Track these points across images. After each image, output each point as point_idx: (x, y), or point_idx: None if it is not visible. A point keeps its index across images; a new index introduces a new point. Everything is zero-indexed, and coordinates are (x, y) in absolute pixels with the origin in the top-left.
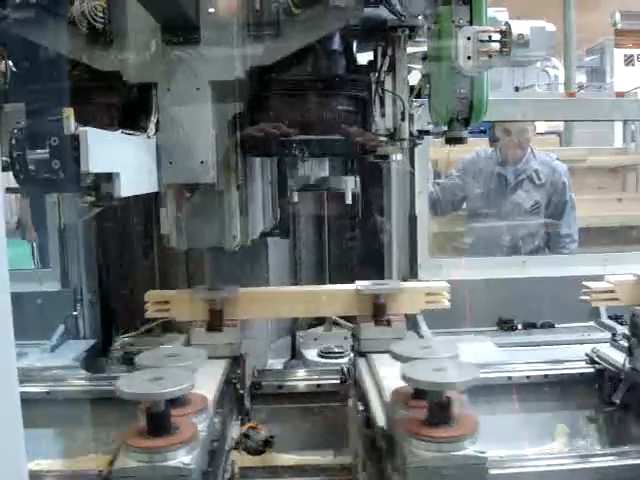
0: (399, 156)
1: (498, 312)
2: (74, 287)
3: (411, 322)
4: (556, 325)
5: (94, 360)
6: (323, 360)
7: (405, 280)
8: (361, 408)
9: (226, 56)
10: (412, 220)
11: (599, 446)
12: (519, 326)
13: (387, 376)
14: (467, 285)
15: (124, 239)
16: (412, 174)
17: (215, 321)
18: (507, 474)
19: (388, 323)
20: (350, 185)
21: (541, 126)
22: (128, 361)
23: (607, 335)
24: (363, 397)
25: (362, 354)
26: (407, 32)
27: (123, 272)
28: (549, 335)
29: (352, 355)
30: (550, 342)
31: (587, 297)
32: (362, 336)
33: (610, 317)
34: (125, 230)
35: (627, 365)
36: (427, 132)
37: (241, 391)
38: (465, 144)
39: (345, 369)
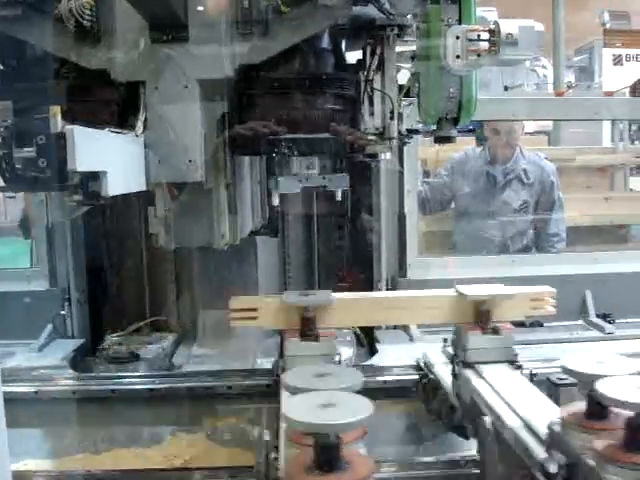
0: (388, 155)
1: None
2: (62, 286)
3: None
4: (545, 324)
5: (82, 360)
6: None
7: (394, 279)
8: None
9: (214, 54)
10: (401, 219)
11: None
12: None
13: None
14: (456, 284)
15: (112, 238)
16: (401, 173)
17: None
18: None
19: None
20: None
21: (530, 126)
22: (116, 360)
23: (596, 334)
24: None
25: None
26: (396, 31)
27: (111, 271)
28: (538, 334)
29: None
30: (539, 341)
31: None
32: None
33: (598, 315)
34: (113, 229)
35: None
36: (416, 131)
37: None
38: (454, 143)
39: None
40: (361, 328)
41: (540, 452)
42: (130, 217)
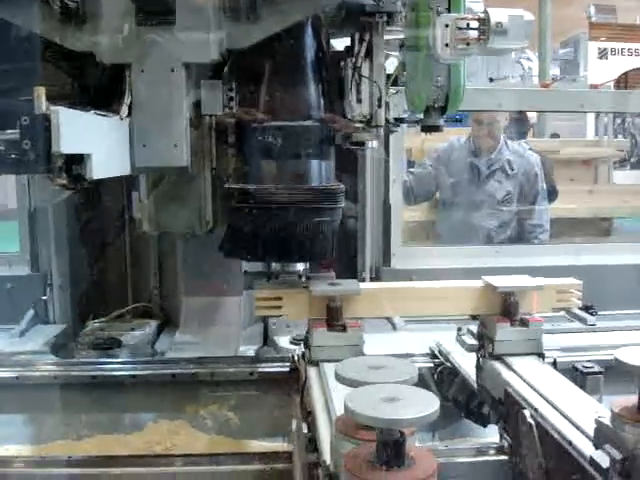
0: (375, 143)
1: None
2: (44, 271)
3: None
4: None
5: (64, 345)
6: (296, 347)
7: (378, 269)
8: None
9: (201, 38)
10: (386, 208)
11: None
12: None
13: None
14: (440, 274)
15: (95, 223)
16: (387, 162)
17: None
18: None
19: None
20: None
21: None
22: (98, 347)
23: (578, 325)
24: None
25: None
26: (385, 18)
27: (94, 257)
28: None
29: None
30: None
31: None
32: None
33: (580, 307)
34: (95, 214)
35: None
36: (403, 120)
37: None
38: (441, 132)
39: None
40: None
41: (587, 446)
42: (113, 202)
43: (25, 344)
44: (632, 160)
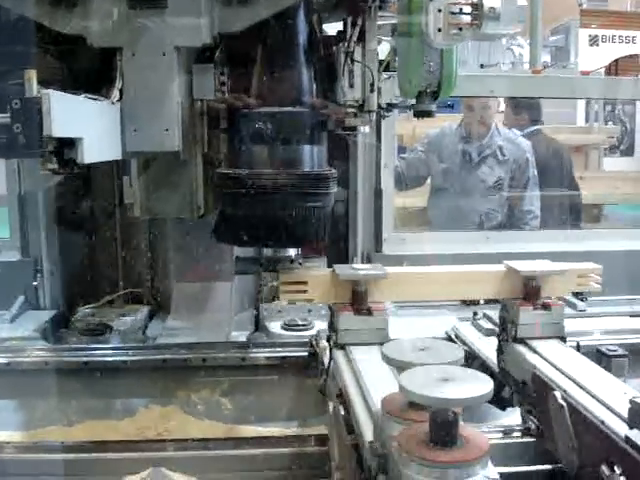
0: (367, 128)
1: None
2: (34, 257)
3: None
4: None
5: (55, 331)
6: (287, 333)
7: (369, 255)
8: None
9: (193, 22)
10: (377, 194)
11: None
12: (481, 301)
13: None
14: (431, 260)
15: (85, 209)
16: (378, 148)
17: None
18: None
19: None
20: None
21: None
22: (89, 332)
23: (568, 311)
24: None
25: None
26: (378, 2)
27: (84, 242)
28: None
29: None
30: None
31: None
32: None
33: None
34: (86, 199)
35: (498, 365)
36: (395, 105)
37: None
38: (433, 118)
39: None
40: None
41: (620, 426)
42: (104, 187)
43: (16, 330)
44: (622, 147)
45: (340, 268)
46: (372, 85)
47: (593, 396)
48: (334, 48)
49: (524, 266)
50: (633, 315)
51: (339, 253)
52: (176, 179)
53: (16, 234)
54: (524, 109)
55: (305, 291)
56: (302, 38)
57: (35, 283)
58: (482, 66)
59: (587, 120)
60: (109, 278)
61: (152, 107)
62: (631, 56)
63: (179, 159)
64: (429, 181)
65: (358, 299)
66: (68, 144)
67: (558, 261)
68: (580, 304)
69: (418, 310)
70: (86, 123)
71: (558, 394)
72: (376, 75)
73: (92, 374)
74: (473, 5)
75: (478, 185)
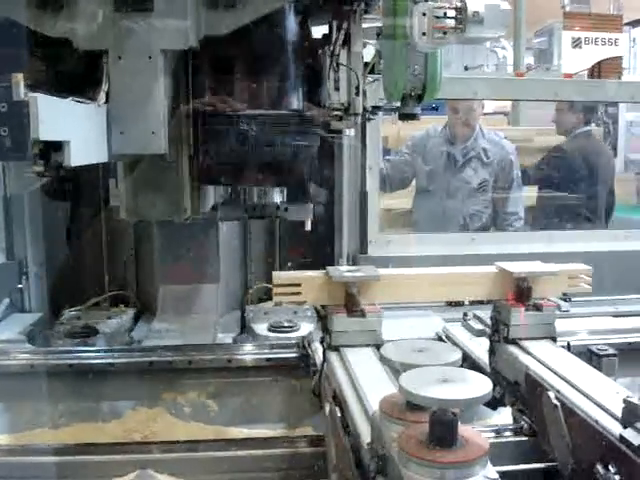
0: (352, 131)
1: None
2: (19, 259)
3: None
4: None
5: (40, 334)
6: (273, 334)
7: (355, 256)
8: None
9: (179, 25)
10: (363, 196)
11: None
12: (466, 302)
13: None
14: (416, 261)
15: (71, 211)
16: (363, 150)
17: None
18: None
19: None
20: (310, 213)
21: (489, 106)
22: (75, 335)
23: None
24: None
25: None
26: (363, 6)
27: (70, 245)
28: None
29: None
30: None
31: None
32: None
33: None
34: (72, 202)
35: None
36: (380, 108)
37: None
38: (418, 120)
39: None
40: None
41: (614, 425)
42: (90, 189)
43: (1, 333)
44: None
45: (333, 270)
46: (357, 88)
47: (586, 396)
48: (319, 51)
49: (516, 267)
50: (617, 315)
51: (324, 255)
52: (162, 181)
53: (1, 236)
54: (580, 110)
55: (299, 293)
56: (287, 41)
57: (20, 286)
58: (466, 68)
59: None
60: (95, 280)
61: (138, 110)
62: (614, 58)
63: (165, 161)
64: (414, 183)
65: (352, 301)
66: (55, 147)
67: (543, 262)
68: (564, 304)
69: (403, 312)
70: (73, 126)
71: (552, 394)
72: (361, 78)
73: (78, 377)
74: (457, 9)
75: (463, 187)
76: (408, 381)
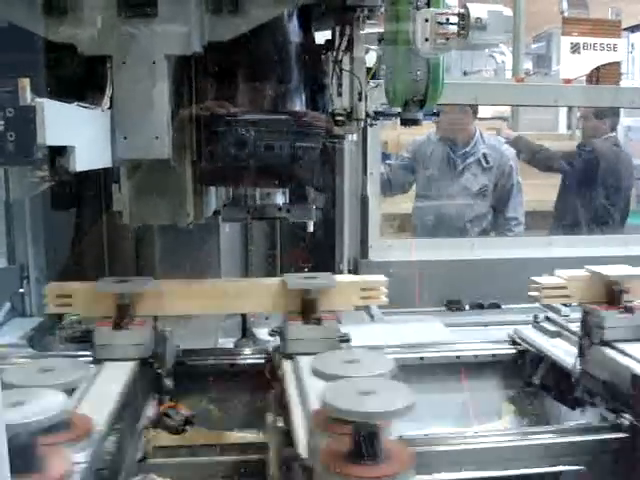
0: (354, 136)
1: (446, 293)
2: (21, 264)
3: None
4: (502, 306)
5: (41, 338)
6: (274, 339)
7: (356, 261)
8: None
9: (183, 30)
10: (363, 201)
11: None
12: (466, 307)
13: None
14: (416, 266)
15: (72, 216)
16: (364, 155)
17: (122, 318)
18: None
19: (628, 310)
20: (312, 215)
21: (487, 111)
22: (75, 340)
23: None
24: None
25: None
26: (366, 12)
27: (71, 249)
28: (496, 316)
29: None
30: (497, 322)
31: (536, 293)
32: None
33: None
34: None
35: (578, 366)
36: (382, 113)
37: (159, 370)
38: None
39: None
40: None
41: None
42: (91, 194)
43: (2, 337)
44: None
45: (290, 277)
46: (360, 94)
47: None
48: (322, 57)
49: (609, 271)
50: None
51: (325, 260)
52: (165, 186)
53: (2, 241)
54: (606, 116)
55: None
56: (290, 46)
57: (21, 290)
58: (465, 73)
59: (569, 127)
60: None
61: (142, 115)
62: (612, 64)
63: (169, 166)
64: (414, 187)
65: (308, 308)
66: (60, 152)
67: (543, 267)
68: (564, 309)
69: (401, 316)
70: (78, 131)
71: None
72: (364, 84)
73: None
74: (460, 15)
75: (462, 192)
76: (332, 393)
